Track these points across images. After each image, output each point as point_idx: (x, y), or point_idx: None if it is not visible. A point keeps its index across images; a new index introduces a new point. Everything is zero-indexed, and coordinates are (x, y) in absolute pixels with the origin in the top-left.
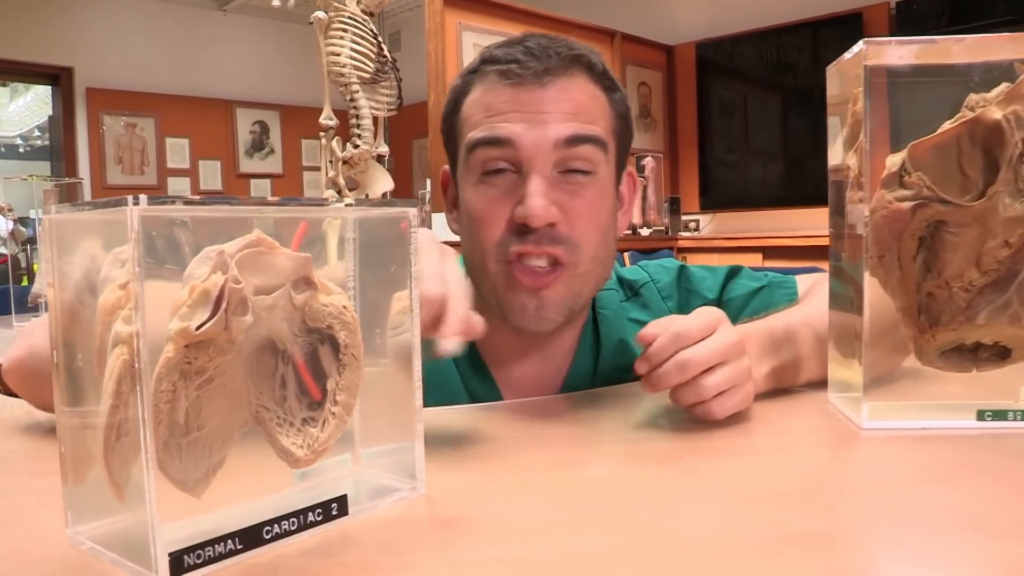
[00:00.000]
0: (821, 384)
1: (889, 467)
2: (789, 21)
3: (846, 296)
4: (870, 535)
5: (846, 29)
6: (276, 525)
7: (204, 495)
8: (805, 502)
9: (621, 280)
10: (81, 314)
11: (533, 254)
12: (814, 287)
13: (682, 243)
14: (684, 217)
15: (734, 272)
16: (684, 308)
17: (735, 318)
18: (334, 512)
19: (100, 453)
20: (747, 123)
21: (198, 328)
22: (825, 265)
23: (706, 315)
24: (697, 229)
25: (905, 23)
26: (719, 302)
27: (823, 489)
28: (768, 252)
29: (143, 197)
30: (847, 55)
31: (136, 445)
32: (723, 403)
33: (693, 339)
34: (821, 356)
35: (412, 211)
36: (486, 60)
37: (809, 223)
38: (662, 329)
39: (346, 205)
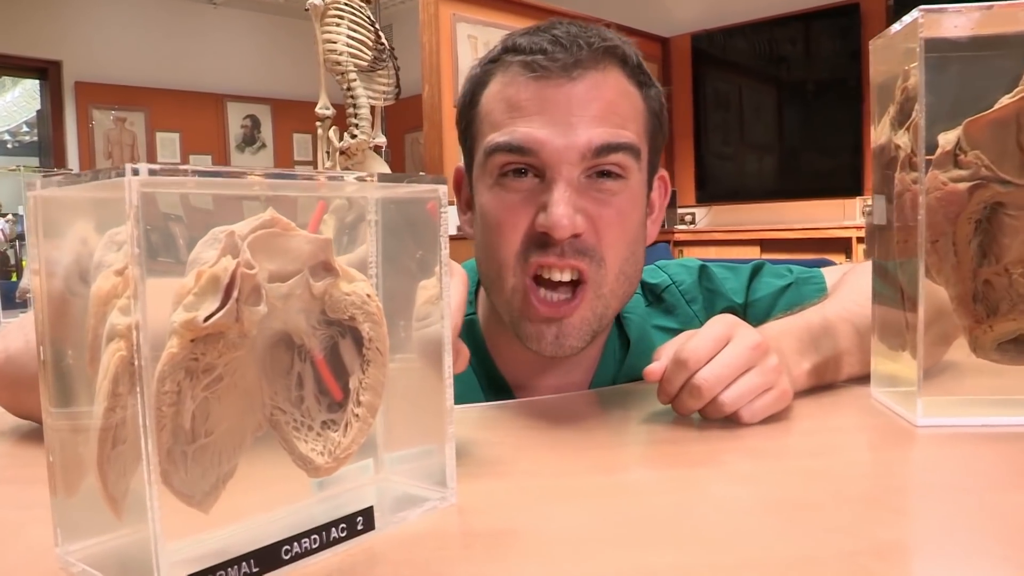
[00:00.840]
0: (859, 379)
1: (956, 468)
2: (786, 12)
3: (893, 285)
4: (954, 545)
5: (842, 20)
6: (296, 543)
7: (213, 509)
8: (876, 508)
9: (643, 285)
10: (71, 305)
11: (556, 267)
12: (845, 279)
13: (679, 236)
14: (680, 210)
15: (757, 270)
16: (709, 311)
17: (763, 319)
18: (359, 527)
19: (94, 462)
20: (743, 115)
21: (206, 320)
22: (832, 257)
23: (716, 327)
24: (693, 222)
25: (904, 15)
26: (744, 304)
27: (891, 493)
28: (765, 245)
29: (143, 166)
30: (896, 26)
31: (135, 453)
32: (752, 409)
33: (701, 361)
34: (861, 350)
35: (442, 188)
36: (508, 49)
37: (806, 215)
38: (667, 357)
39: (367, 178)
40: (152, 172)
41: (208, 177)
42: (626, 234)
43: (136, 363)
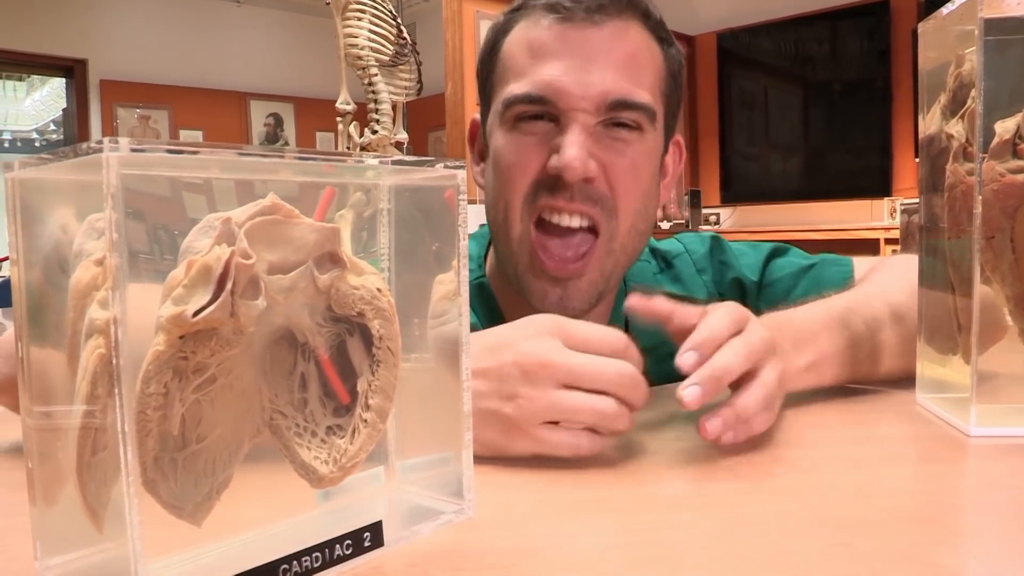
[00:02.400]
0: (902, 383)
1: (1015, 483)
2: (813, 10)
3: (943, 284)
4: (1020, 570)
5: (870, 19)
6: (295, 562)
7: (205, 522)
8: (934, 528)
9: (654, 251)
10: (52, 298)
11: (564, 211)
12: (880, 267)
13: None
14: (705, 210)
15: (780, 251)
16: (719, 283)
17: (781, 299)
18: (367, 543)
19: (73, 470)
20: (768, 115)
21: (196, 314)
22: (858, 258)
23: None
24: (718, 222)
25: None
26: (759, 283)
27: (946, 511)
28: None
29: (124, 140)
30: (948, 7)
31: (116, 461)
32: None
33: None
34: (903, 341)
35: (460, 175)
36: None
37: (832, 216)
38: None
39: (379, 161)
40: (134, 149)
41: (198, 155)
42: (639, 186)
43: (115, 361)
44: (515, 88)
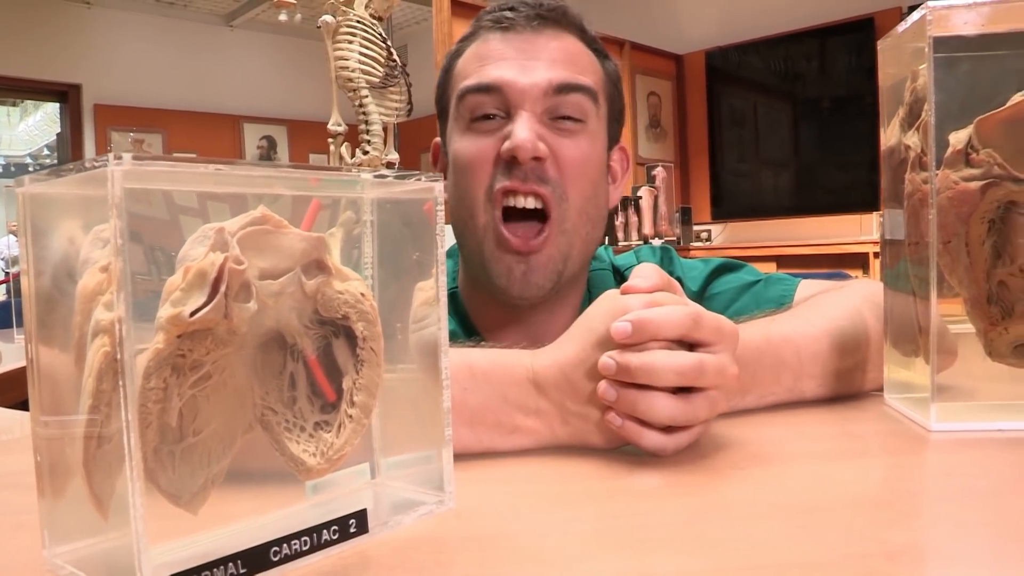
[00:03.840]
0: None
1: (969, 472)
2: (800, 28)
3: (905, 289)
4: (967, 548)
5: (857, 36)
6: (285, 545)
7: (202, 511)
8: (889, 513)
9: (614, 266)
10: (60, 304)
11: (520, 191)
12: (817, 297)
13: (694, 253)
14: (696, 227)
15: (730, 267)
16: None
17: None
18: (352, 529)
19: (80, 462)
20: (758, 132)
21: (192, 314)
22: (849, 271)
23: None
24: (709, 239)
25: None
26: (700, 296)
27: (904, 498)
28: (782, 261)
29: (127, 155)
30: (904, 25)
31: (120, 453)
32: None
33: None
34: (795, 378)
35: (438, 187)
36: (479, 19)
37: (822, 231)
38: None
39: (358, 167)
40: (136, 160)
41: (194, 168)
42: (587, 173)
43: (119, 357)
44: (467, 82)
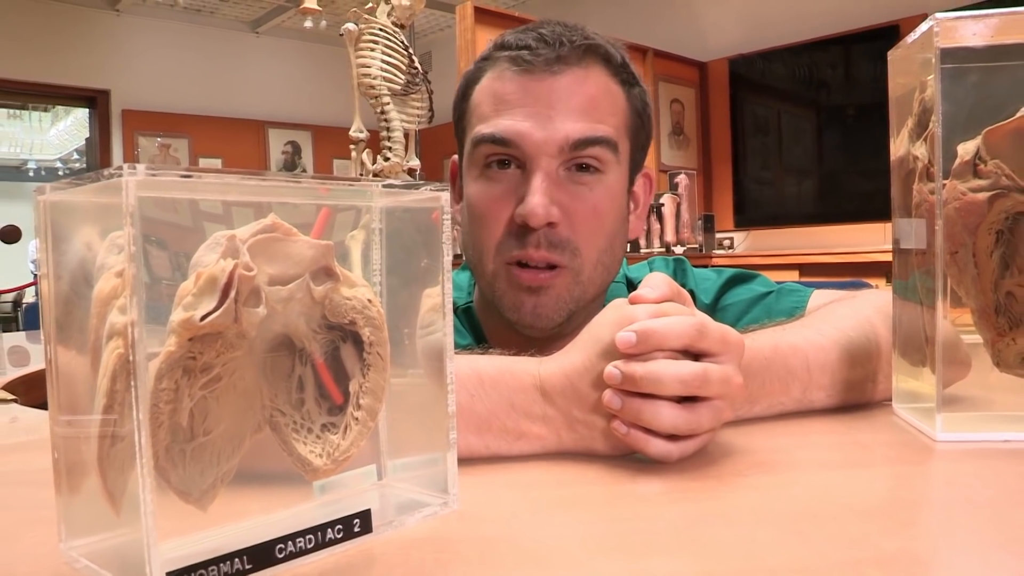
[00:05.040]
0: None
1: (972, 482)
2: (824, 35)
3: (914, 300)
4: (963, 557)
5: (882, 43)
6: (290, 543)
7: (210, 508)
8: (886, 520)
9: (627, 278)
10: (77, 308)
11: (532, 259)
12: (830, 306)
13: (716, 261)
14: (718, 235)
15: (743, 278)
16: None
17: (729, 326)
18: (356, 529)
19: (94, 460)
20: (781, 139)
21: (203, 318)
22: (871, 280)
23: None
24: (732, 247)
25: None
26: (712, 307)
27: (903, 506)
28: (804, 269)
29: (141, 166)
30: (912, 36)
31: (132, 451)
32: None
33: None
34: (804, 388)
35: (444, 196)
36: (498, 46)
37: (845, 240)
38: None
39: (367, 178)
40: (150, 172)
41: (208, 178)
42: (602, 226)
43: (132, 358)
44: (483, 128)
